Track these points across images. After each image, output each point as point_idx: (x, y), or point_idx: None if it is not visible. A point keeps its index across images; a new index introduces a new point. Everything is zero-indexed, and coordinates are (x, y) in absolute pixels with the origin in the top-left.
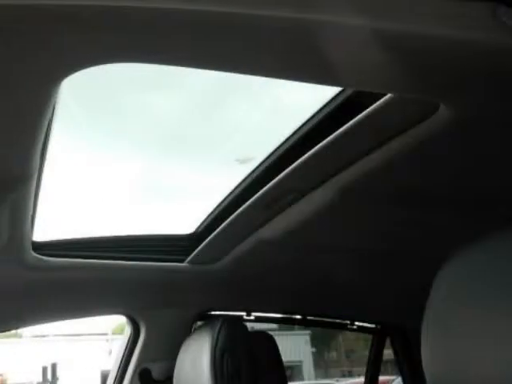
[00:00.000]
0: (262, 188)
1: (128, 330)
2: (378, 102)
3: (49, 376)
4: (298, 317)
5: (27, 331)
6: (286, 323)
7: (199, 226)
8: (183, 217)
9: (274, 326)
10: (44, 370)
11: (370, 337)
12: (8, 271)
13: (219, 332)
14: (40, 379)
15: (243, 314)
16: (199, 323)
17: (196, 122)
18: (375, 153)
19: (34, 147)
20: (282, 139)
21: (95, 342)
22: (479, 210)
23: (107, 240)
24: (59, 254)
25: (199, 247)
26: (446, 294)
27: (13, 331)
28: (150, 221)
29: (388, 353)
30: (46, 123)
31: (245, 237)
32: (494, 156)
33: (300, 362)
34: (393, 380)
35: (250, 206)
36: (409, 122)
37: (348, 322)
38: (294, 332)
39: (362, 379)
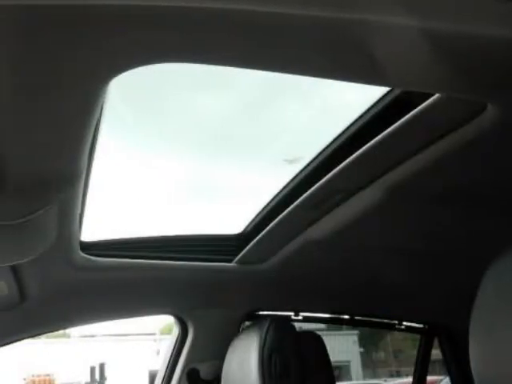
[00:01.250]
0: (310, 188)
1: (176, 330)
2: (425, 102)
3: (97, 376)
4: (346, 317)
5: (75, 331)
6: (334, 323)
7: (247, 226)
8: (231, 217)
9: (322, 326)
10: (92, 370)
11: (418, 337)
12: (56, 271)
13: (267, 332)
14: (88, 379)
15: (291, 313)
16: (247, 323)
17: (244, 122)
18: (423, 153)
19: (82, 147)
20: (331, 139)
21: (143, 342)
22: None
23: (155, 240)
24: (107, 254)
25: (247, 247)
26: (494, 294)
27: (61, 331)
28: (197, 221)
29: (436, 353)
30: (94, 123)
31: (293, 237)
32: None
33: (348, 361)
34: (441, 380)
35: (297, 206)
36: (456, 121)
37: (396, 322)
38: (342, 332)
39: (410, 379)
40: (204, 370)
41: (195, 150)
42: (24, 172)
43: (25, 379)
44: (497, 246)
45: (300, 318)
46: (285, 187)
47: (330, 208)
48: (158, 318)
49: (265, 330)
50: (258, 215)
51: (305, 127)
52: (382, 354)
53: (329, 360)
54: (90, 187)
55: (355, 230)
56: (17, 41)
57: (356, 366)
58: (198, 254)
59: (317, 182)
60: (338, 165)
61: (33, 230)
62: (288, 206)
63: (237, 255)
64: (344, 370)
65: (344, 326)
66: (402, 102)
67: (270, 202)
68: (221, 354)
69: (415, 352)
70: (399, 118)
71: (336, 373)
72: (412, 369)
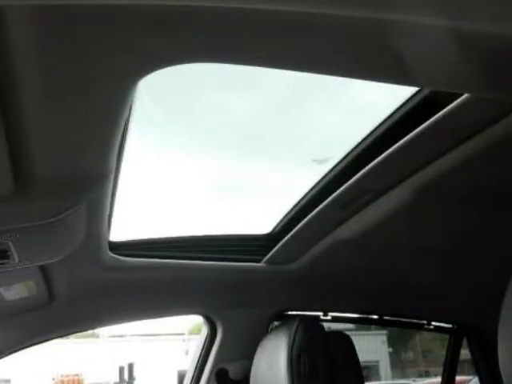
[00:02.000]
0: (338, 188)
1: (205, 330)
2: (454, 102)
3: (125, 376)
4: (375, 317)
5: (104, 331)
6: (363, 323)
7: (276, 226)
8: (260, 217)
9: (351, 325)
10: (121, 370)
11: (446, 337)
12: (85, 271)
13: (296, 332)
14: (117, 379)
15: (320, 313)
16: (276, 323)
17: (273, 122)
18: (451, 153)
19: (111, 147)
20: (359, 139)
21: (172, 342)
22: None
23: (184, 240)
24: (136, 254)
25: (276, 247)
26: None
27: (90, 331)
28: (226, 221)
29: (465, 353)
30: (123, 123)
31: (321, 237)
32: None
33: (377, 361)
34: (470, 380)
35: (326, 206)
36: (485, 121)
37: (425, 322)
38: (370, 332)
39: (438, 379)
40: (233, 370)
41: (224, 150)
42: (53, 172)
43: (54, 379)
44: None
45: (329, 318)
46: (313, 187)
47: (358, 208)
48: (187, 318)
49: (294, 330)
50: (286, 215)
51: (333, 127)
52: (410, 354)
53: (358, 360)
54: (118, 187)
55: (384, 230)
56: (47, 41)
57: (385, 366)
58: (226, 254)
59: (345, 182)
60: (367, 165)
61: (62, 229)
62: (317, 206)
63: (265, 255)
64: (373, 370)
65: (373, 326)
66: (431, 103)
67: (299, 202)
68: (249, 353)
69: (444, 352)
70: (427, 119)
71: (365, 373)
72: (441, 369)
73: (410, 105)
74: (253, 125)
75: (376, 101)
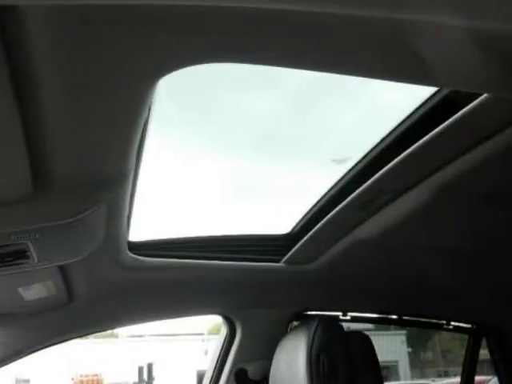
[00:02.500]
0: (357, 188)
1: (224, 330)
2: (473, 102)
3: (145, 376)
4: (394, 317)
5: (123, 331)
6: (382, 323)
7: (295, 226)
8: (279, 217)
9: (370, 325)
10: (140, 369)
11: (466, 337)
12: (104, 271)
13: (315, 332)
14: (136, 379)
15: (339, 313)
16: (295, 323)
17: (291, 122)
18: (470, 153)
19: (130, 147)
20: (378, 139)
21: (191, 342)
22: None
23: (203, 240)
24: (155, 253)
25: (295, 247)
26: None
27: (109, 331)
28: (245, 221)
29: (484, 353)
30: (143, 123)
31: (340, 237)
32: None
33: (396, 361)
34: (489, 380)
35: (345, 206)
36: (504, 121)
37: (444, 322)
38: (389, 332)
39: (458, 379)
40: (252, 370)
41: (243, 150)
42: (72, 172)
43: (73, 379)
44: None
45: (348, 317)
46: (332, 187)
47: (377, 208)
48: (206, 318)
49: (313, 330)
50: (305, 215)
51: (352, 127)
52: (429, 354)
53: (377, 360)
54: (137, 187)
55: (403, 231)
56: (66, 41)
57: (404, 366)
58: (246, 254)
59: (364, 182)
60: (386, 165)
61: (81, 229)
62: (336, 206)
63: (285, 255)
64: (392, 370)
65: (392, 326)
66: (450, 102)
67: (318, 202)
68: (269, 353)
69: (463, 352)
70: (447, 119)
71: (384, 373)
72: (460, 369)
73: (429, 105)
74: (271, 125)
75: (395, 101)
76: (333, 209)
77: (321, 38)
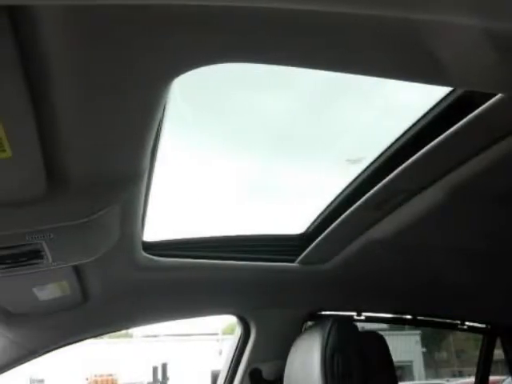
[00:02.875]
0: (372, 188)
1: (238, 330)
2: (488, 102)
3: (159, 376)
4: (409, 317)
5: (138, 331)
6: (397, 323)
7: (310, 226)
8: (294, 217)
9: (385, 325)
10: (154, 369)
11: (480, 337)
12: (118, 271)
13: (330, 332)
14: (150, 379)
15: (353, 313)
16: (309, 323)
17: (306, 122)
18: (485, 153)
19: (144, 147)
20: (393, 139)
21: (205, 342)
22: None
23: (217, 240)
24: (169, 253)
25: (309, 247)
26: None
27: (123, 331)
28: (260, 221)
29: (498, 353)
30: (157, 123)
31: (355, 237)
32: None
33: (410, 361)
34: (503, 380)
35: (360, 206)
36: None
37: (458, 322)
38: (404, 332)
39: (472, 379)
40: (266, 370)
41: (257, 150)
42: (87, 172)
43: (87, 379)
44: None
45: (362, 317)
46: (347, 187)
47: (392, 208)
48: (221, 318)
49: (327, 330)
50: (320, 215)
51: (367, 127)
52: (444, 354)
53: (391, 360)
54: (152, 187)
55: (417, 230)
56: (80, 41)
57: (418, 366)
58: (260, 254)
59: (379, 182)
60: (401, 165)
61: (96, 229)
62: (350, 206)
63: (299, 255)
64: (406, 370)
65: (406, 326)
66: (464, 102)
67: (333, 202)
68: (283, 353)
69: (477, 352)
70: (461, 118)
71: (398, 373)
72: (474, 369)
73: (444, 105)
74: (286, 125)
75: (409, 101)
76: (347, 209)
77: (334, 37)
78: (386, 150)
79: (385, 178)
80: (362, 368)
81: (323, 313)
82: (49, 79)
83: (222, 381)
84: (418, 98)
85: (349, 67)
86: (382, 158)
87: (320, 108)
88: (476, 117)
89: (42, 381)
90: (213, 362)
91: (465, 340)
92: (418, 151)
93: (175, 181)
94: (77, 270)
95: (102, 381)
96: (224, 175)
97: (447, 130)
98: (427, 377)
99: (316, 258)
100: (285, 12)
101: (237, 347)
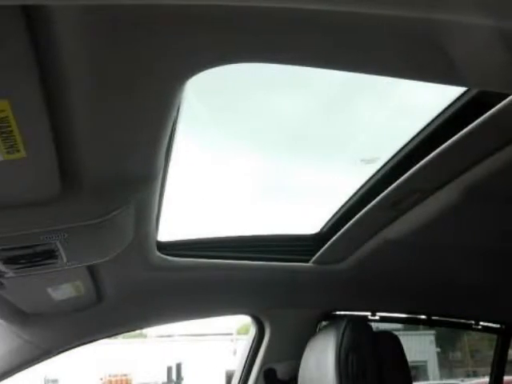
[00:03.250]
0: (386, 188)
1: (253, 330)
2: (503, 102)
3: (174, 376)
4: (423, 317)
5: (152, 331)
6: (411, 323)
7: (324, 226)
8: (308, 217)
9: (399, 325)
10: (169, 369)
11: (494, 337)
12: (133, 271)
13: (344, 332)
14: (165, 379)
15: (368, 313)
16: (324, 323)
17: (321, 122)
18: (500, 152)
19: (159, 147)
20: (407, 139)
21: (220, 342)
22: None
23: (232, 240)
24: (184, 254)
25: (324, 247)
26: None
27: (137, 331)
28: (274, 221)
29: None
30: (171, 123)
31: (369, 237)
32: None
33: (425, 361)
34: None
35: (374, 206)
36: None
37: (472, 322)
38: (418, 332)
39: (486, 379)
40: (280, 370)
41: (272, 150)
42: (101, 172)
43: (102, 379)
44: None
45: (377, 317)
46: (361, 187)
47: (406, 208)
48: (235, 318)
49: (342, 329)
50: (334, 215)
51: (382, 127)
52: (458, 354)
53: (406, 360)
54: (166, 187)
55: (431, 230)
56: (95, 41)
57: (433, 366)
58: (275, 254)
59: (393, 182)
60: (415, 165)
61: (110, 229)
62: (365, 206)
63: (314, 255)
64: (421, 370)
65: (421, 326)
66: (479, 103)
67: (347, 202)
68: (297, 353)
69: (492, 352)
70: (476, 118)
71: (413, 373)
72: (489, 369)
73: (458, 105)
74: (300, 125)
75: (424, 101)
76: (362, 209)
77: (349, 37)
78: (400, 150)
79: (399, 178)
80: (377, 368)
81: (337, 313)
82: (63, 79)
83: (237, 381)
84: (432, 98)
85: (363, 67)
86: (397, 158)
87: (335, 108)
88: (490, 117)
89: (56, 381)
90: (227, 362)
91: (479, 340)
92: (432, 151)
93: (190, 181)
94: (91, 270)
95: (116, 381)
96: (238, 175)
97: (461, 130)
98: (441, 377)
99: (330, 257)
100: (299, 12)
101: (251, 347)
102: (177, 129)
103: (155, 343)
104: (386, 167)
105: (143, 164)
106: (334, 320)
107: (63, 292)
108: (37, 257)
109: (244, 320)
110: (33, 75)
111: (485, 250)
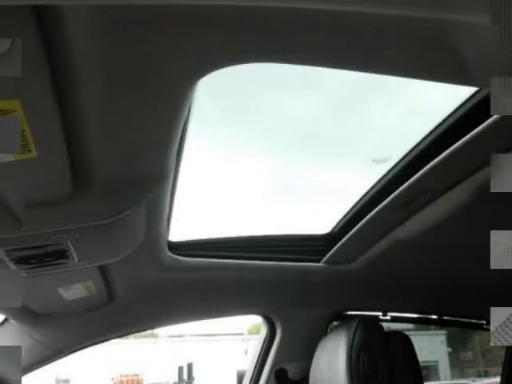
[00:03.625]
0: (398, 188)
1: (264, 330)
2: None
3: (185, 376)
4: (434, 317)
5: (163, 331)
6: (422, 323)
7: (335, 226)
8: (319, 217)
9: (410, 325)
10: (180, 369)
11: None
12: (144, 271)
13: (355, 332)
14: (176, 379)
15: (379, 313)
16: (335, 323)
17: (332, 122)
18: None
19: (170, 147)
20: (419, 139)
21: (231, 342)
22: None
23: (243, 240)
24: (195, 254)
25: (335, 247)
26: None
27: (149, 331)
28: (285, 221)
29: None
30: (183, 123)
31: (380, 237)
32: None
33: (436, 361)
34: None
35: (385, 206)
36: None
37: (484, 322)
38: (430, 332)
39: (498, 379)
40: (292, 370)
41: (283, 150)
42: (112, 172)
43: (113, 379)
44: None
45: (388, 317)
46: (373, 187)
47: (417, 208)
48: (246, 317)
49: (353, 330)
50: (345, 215)
51: (393, 127)
52: (469, 354)
53: (417, 360)
54: (177, 187)
55: (443, 230)
56: (106, 41)
57: (444, 366)
58: (286, 254)
59: (405, 182)
60: (426, 165)
61: (121, 230)
62: (376, 206)
63: (325, 255)
64: (432, 370)
65: (432, 326)
66: (490, 103)
67: (358, 202)
68: (309, 353)
69: (503, 352)
70: (487, 119)
71: (424, 373)
72: (500, 369)
73: (469, 105)
74: (312, 125)
75: (435, 101)
76: (373, 209)
77: (359, 37)
78: (411, 150)
79: (410, 178)
80: (388, 368)
81: (349, 313)
82: (75, 79)
83: (248, 381)
84: (443, 98)
85: (374, 67)
86: (408, 158)
87: (346, 108)
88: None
89: (67, 381)
90: (238, 362)
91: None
92: (443, 151)
93: (201, 181)
94: (102, 270)
95: (127, 381)
96: (250, 175)
97: (473, 130)
98: (453, 377)
99: (342, 257)
100: (309, 12)
101: (262, 347)
102: (188, 129)
103: (166, 343)
104: (397, 167)
105: (154, 164)
106: (345, 320)
107: (74, 292)
108: (48, 257)
109: (255, 320)
110: (44, 75)
111: None
